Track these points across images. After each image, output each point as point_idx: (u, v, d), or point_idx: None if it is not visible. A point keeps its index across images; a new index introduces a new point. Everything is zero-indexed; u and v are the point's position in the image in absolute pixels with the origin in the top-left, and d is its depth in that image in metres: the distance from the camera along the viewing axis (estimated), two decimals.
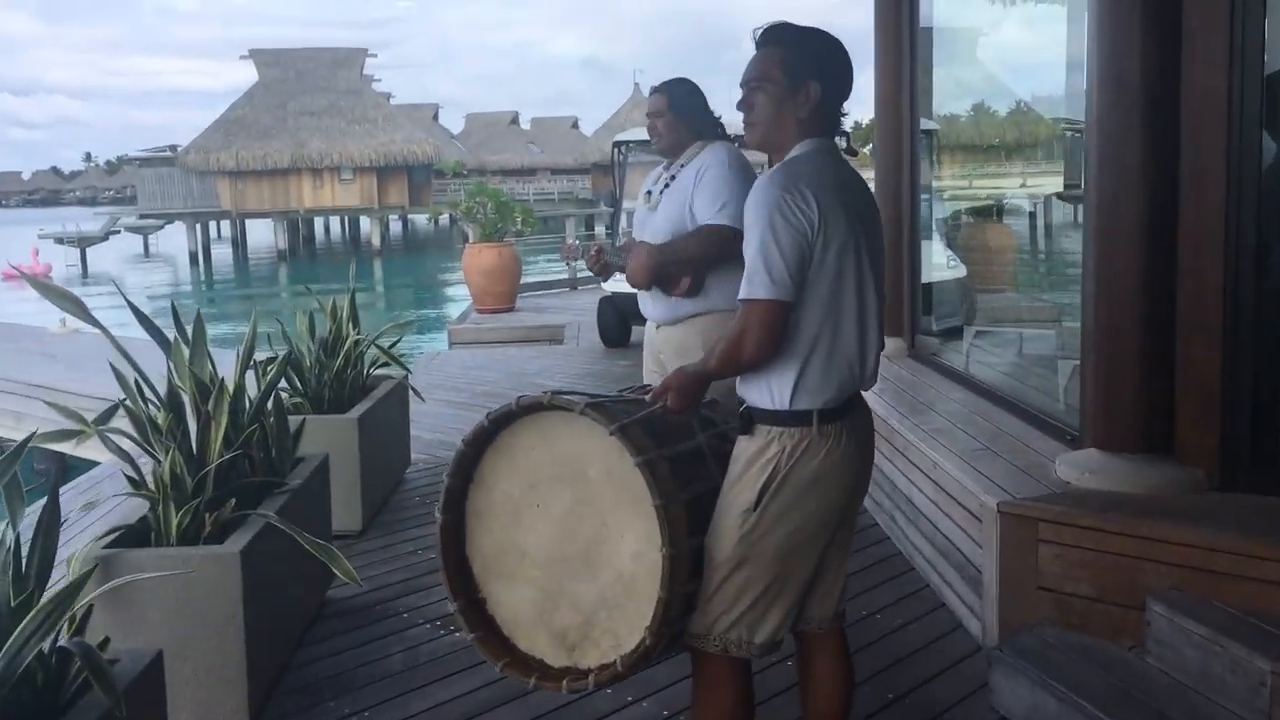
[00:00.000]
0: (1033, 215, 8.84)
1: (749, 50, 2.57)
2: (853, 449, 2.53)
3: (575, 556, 2.66)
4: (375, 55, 51.08)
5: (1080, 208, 4.01)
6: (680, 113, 3.90)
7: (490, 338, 11.95)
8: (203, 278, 40.20)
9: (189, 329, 3.82)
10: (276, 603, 3.61)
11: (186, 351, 3.75)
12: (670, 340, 3.92)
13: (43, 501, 2.66)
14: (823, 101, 2.49)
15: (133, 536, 3.40)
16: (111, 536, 3.33)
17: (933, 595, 4.22)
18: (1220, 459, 3.59)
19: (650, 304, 3.94)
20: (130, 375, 3.58)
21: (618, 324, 10.37)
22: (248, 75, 54.01)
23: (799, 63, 2.48)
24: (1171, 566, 3.26)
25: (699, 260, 3.73)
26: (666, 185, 3.95)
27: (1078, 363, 4.67)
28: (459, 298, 28.91)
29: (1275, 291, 3.51)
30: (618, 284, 7.87)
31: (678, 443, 2.63)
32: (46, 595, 2.43)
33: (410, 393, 6.14)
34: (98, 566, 3.10)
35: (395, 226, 57.24)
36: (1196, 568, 3.22)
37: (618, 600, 2.58)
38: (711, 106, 3.99)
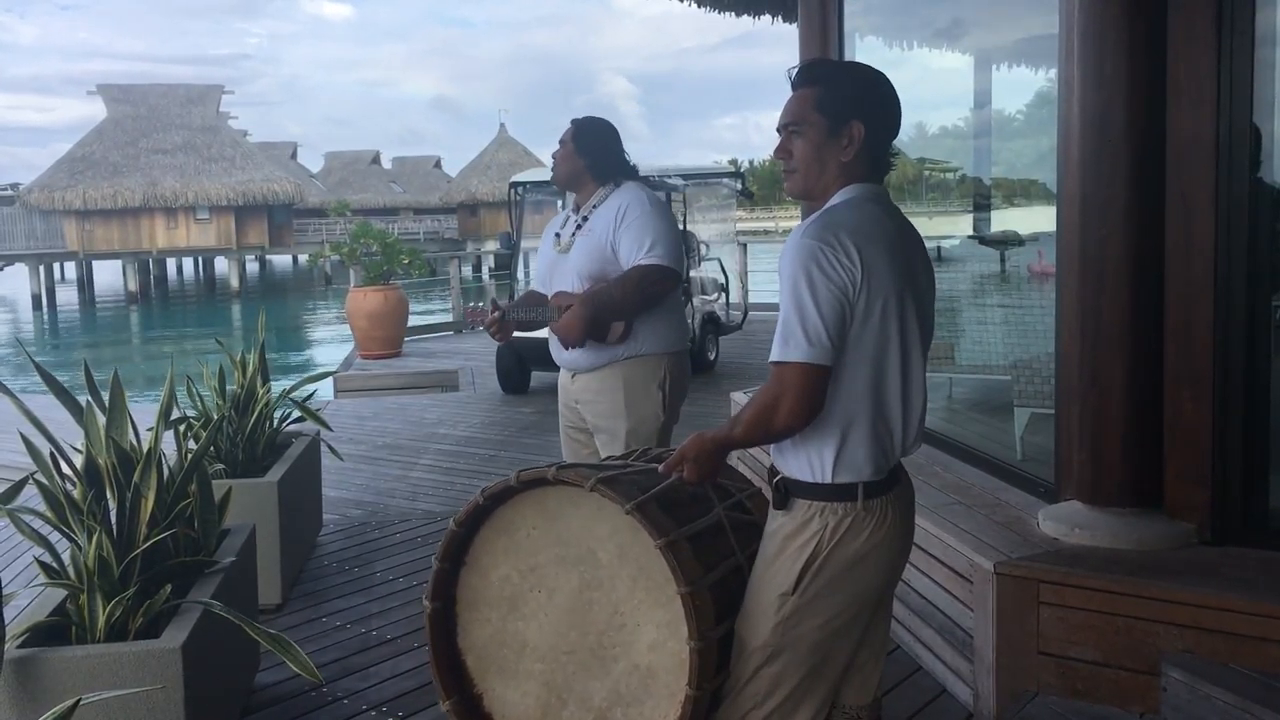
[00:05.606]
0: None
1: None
2: (898, 524, 2.32)
3: (584, 648, 2.41)
4: (232, 92, 49.63)
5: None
6: (580, 147, 3.85)
7: (379, 385, 11.45)
8: (46, 323, 38.04)
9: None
10: (215, 701, 3.21)
11: (101, 416, 3.34)
12: (589, 387, 3.79)
13: None
14: (867, 142, 2.28)
15: (48, 632, 2.97)
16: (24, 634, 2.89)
17: (907, 657, 4.04)
18: (1211, 513, 3.51)
19: (566, 352, 3.78)
20: (43, 444, 3.16)
21: (517, 370, 10.04)
22: (89, 111, 51.77)
23: (839, 101, 2.27)
24: (1183, 628, 3.14)
25: (632, 306, 3.65)
26: (578, 227, 3.86)
27: (1036, 411, 4.62)
28: (325, 340, 28.06)
29: (1264, 341, 3.45)
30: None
31: (696, 518, 2.40)
32: None
33: (321, 450, 5.71)
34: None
35: (251, 267, 55.41)
36: (1211, 629, 3.10)
37: (634, 696, 2.34)
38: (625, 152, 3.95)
